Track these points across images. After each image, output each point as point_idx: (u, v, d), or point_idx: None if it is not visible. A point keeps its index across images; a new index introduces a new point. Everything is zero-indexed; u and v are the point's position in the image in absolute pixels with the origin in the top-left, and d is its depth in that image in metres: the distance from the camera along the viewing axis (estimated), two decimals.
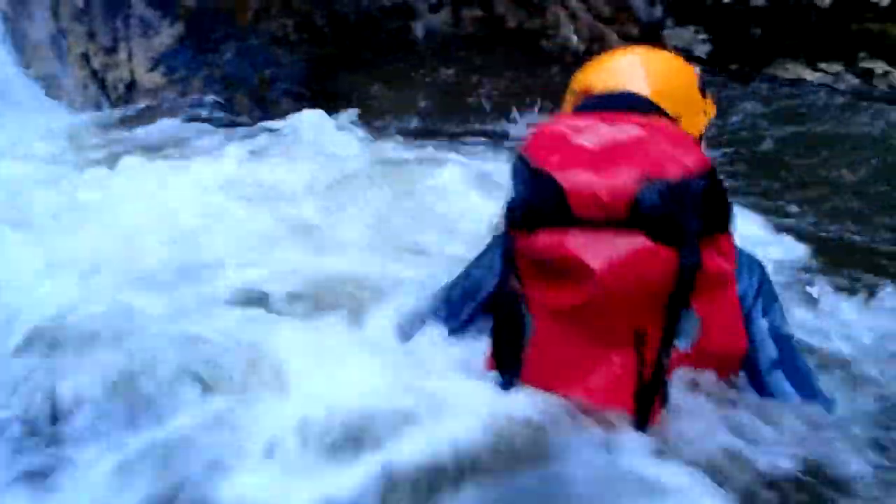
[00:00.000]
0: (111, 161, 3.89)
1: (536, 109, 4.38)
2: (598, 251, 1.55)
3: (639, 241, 1.55)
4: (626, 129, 1.66)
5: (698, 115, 1.89)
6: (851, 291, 2.60)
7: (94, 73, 4.94)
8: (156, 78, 4.94)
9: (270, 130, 4.44)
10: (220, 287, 2.41)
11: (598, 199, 1.56)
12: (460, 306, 1.84)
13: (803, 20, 4.37)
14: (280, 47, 4.88)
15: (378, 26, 4.86)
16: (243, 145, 4.21)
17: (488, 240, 1.89)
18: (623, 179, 1.56)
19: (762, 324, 1.72)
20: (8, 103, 4.81)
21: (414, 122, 4.67)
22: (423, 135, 4.45)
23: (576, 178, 1.58)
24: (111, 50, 4.95)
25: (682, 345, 1.60)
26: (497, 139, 4.39)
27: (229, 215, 3.18)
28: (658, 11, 4.54)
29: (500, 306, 1.69)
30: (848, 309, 2.46)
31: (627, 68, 1.86)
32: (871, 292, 2.53)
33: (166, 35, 4.91)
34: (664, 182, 1.55)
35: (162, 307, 2.23)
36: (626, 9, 4.56)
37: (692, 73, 1.93)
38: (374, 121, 4.61)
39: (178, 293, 2.34)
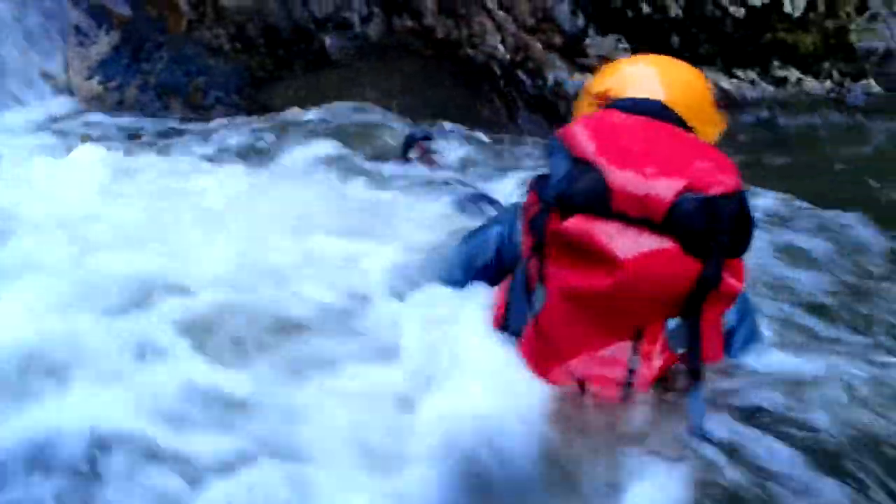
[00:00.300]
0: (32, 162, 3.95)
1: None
2: (627, 245, 1.62)
3: (668, 245, 1.62)
4: (670, 138, 1.75)
5: (712, 126, 1.95)
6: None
7: (31, 82, 5.01)
8: (92, 86, 5.01)
9: (202, 137, 4.54)
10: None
11: (638, 199, 1.62)
12: (459, 270, 1.96)
13: (719, 29, 4.49)
14: (214, 56, 4.96)
15: (311, 38, 4.96)
16: (175, 151, 4.31)
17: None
18: (666, 185, 1.63)
19: (738, 337, 1.86)
20: None
21: (347, 131, 4.74)
22: (355, 144, 4.53)
23: (620, 175, 1.64)
24: (48, 58, 5.02)
25: (678, 349, 1.69)
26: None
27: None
28: (581, 21, 4.66)
29: (518, 274, 1.77)
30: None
31: (647, 76, 1.93)
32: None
33: (102, 44, 4.99)
34: (704, 196, 1.62)
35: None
36: (549, 19, 4.68)
37: (707, 84, 1.99)
38: (306, 131, 4.70)
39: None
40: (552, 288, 1.69)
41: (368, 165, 4.05)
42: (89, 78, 4.99)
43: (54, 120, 4.92)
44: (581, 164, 1.67)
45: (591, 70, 4.66)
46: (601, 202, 1.63)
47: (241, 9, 4.96)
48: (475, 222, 2.26)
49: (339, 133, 4.65)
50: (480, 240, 1.95)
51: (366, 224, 3.18)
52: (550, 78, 4.68)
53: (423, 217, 3.15)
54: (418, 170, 3.96)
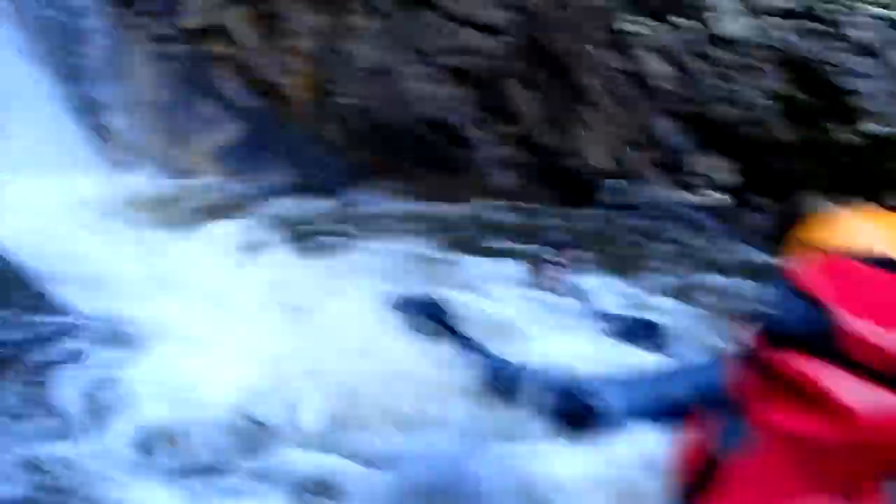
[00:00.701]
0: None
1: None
2: (861, 397, 1.51)
3: None
4: None
5: None
6: None
7: (162, 164, 5.42)
8: (215, 169, 5.37)
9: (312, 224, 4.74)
10: None
11: (875, 349, 1.53)
12: (639, 407, 1.91)
13: (829, 155, 4.29)
14: (325, 150, 5.22)
15: (417, 138, 5.12)
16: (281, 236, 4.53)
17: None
18: None
19: None
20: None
21: (440, 234, 4.75)
22: (453, 247, 4.54)
23: (856, 321, 1.56)
24: (179, 143, 5.43)
25: None
26: (516, 257, 4.41)
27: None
28: (683, 137, 4.56)
29: (718, 405, 1.70)
30: None
31: (874, 230, 1.82)
32: None
33: (226, 132, 5.36)
34: None
35: None
36: (650, 134, 4.62)
37: None
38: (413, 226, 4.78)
39: None
40: (766, 431, 1.58)
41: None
42: (211, 162, 5.36)
43: (173, 197, 5.31)
44: (812, 304, 1.57)
45: (692, 188, 4.56)
46: (833, 346, 1.52)
47: (355, 107, 5.20)
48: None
49: (448, 231, 4.61)
50: (674, 382, 1.91)
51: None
52: (650, 194, 4.61)
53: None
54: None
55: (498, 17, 5.04)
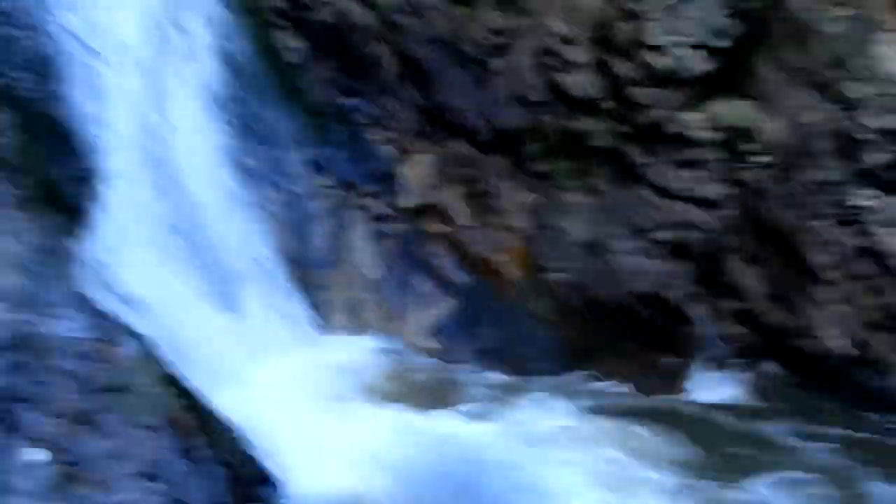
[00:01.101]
0: None
1: None
2: None
3: None
4: None
5: None
6: None
7: (380, 339, 5.62)
8: (431, 344, 5.49)
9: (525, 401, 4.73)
10: None
11: None
12: None
13: None
14: (539, 326, 5.22)
15: (633, 315, 5.03)
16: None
17: None
18: None
19: None
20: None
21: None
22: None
23: None
24: (397, 318, 5.62)
25: None
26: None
27: None
28: None
29: None
30: None
31: None
32: None
33: (442, 308, 5.49)
34: None
35: None
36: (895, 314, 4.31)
37: None
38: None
39: None
40: None
41: None
42: (428, 337, 5.48)
43: (395, 373, 5.47)
44: None
45: None
46: None
47: (569, 283, 5.21)
48: None
49: (676, 425, 4.39)
50: None
51: None
52: None
53: None
54: None
55: (713, 190, 4.97)
